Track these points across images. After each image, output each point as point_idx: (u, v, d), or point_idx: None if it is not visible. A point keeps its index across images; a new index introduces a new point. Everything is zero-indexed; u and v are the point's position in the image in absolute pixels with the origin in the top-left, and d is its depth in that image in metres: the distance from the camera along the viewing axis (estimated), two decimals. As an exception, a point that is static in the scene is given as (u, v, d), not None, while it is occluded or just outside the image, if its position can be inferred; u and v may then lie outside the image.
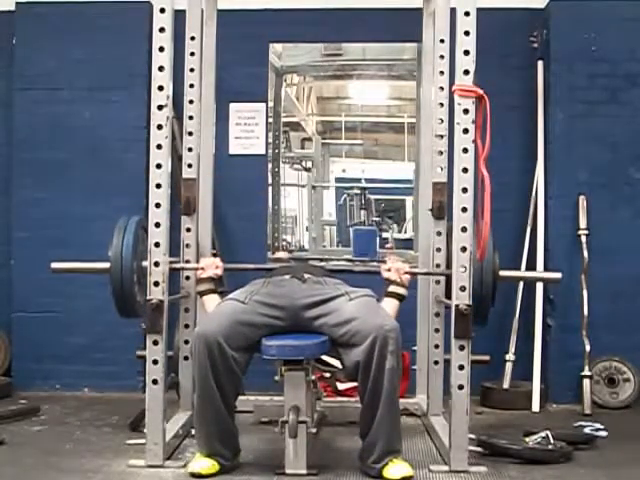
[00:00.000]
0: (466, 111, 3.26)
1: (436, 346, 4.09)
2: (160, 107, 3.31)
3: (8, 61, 5.10)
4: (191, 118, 4.06)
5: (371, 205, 5.76)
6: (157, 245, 3.31)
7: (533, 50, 4.96)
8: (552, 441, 3.49)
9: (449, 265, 3.79)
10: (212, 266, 3.71)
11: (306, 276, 3.50)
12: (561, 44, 4.86)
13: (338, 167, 5.97)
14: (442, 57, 4.10)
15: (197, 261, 4.02)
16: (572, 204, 4.81)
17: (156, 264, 3.30)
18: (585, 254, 4.73)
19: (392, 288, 3.53)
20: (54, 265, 3.73)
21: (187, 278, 4.03)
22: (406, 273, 3.56)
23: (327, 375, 4.21)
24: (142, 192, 4.32)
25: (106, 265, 3.53)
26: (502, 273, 3.49)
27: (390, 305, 3.50)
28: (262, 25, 5.06)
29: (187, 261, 4.02)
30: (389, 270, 3.55)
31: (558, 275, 3.81)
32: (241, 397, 3.52)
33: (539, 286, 4.78)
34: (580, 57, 4.84)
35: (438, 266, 4.09)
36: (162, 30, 3.31)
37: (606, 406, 4.66)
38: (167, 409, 3.41)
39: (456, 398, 3.26)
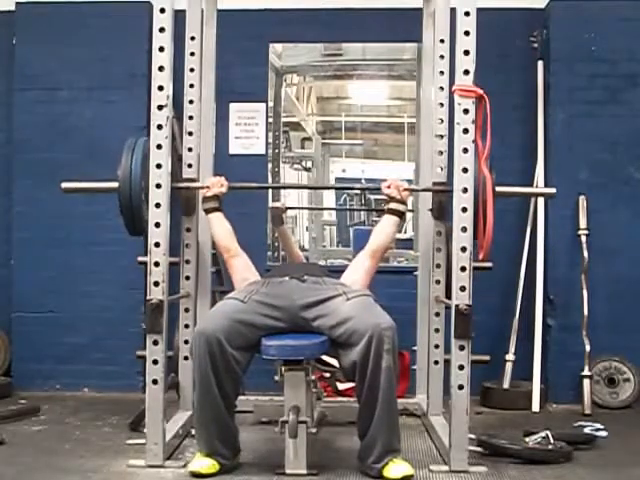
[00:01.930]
0: (466, 111, 3.26)
1: (436, 346, 4.09)
2: (160, 107, 3.31)
3: (8, 61, 5.10)
4: (191, 118, 4.06)
5: (371, 205, 5.77)
6: (157, 245, 3.30)
7: (533, 50, 4.96)
8: (552, 441, 3.49)
9: (449, 264, 3.80)
10: (217, 184, 3.74)
11: (306, 277, 3.49)
12: (561, 44, 4.86)
13: (338, 167, 5.98)
14: (442, 57, 4.10)
15: (197, 261, 4.03)
16: (572, 204, 4.81)
17: (156, 264, 3.30)
18: (585, 254, 4.73)
19: (392, 205, 3.65)
20: (64, 185, 3.71)
21: (187, 278, 4.03)
22: (405, 190, 3.68)
23: (327, 375, 4.22)
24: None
25: (114, 184, 3.51)
26: (498, 189, 3.48)
27: (390, 221, 3.63)
28: (262, 25, 5.07)
29: (187, 261, 4.02)
30: (389, 187, 3.66)
31: (553, 190, 3.99)
32: (241, 397, 3.51)
33: (539, 286, 4.78)
34: (580, 57, 4.84)
35: (438, 266, 4.09)
36: (162, 30, 3.31)
37: (606, 406, 4.66)
38: (167, 409, 3.41)
39: (456, 398, 3.26)
